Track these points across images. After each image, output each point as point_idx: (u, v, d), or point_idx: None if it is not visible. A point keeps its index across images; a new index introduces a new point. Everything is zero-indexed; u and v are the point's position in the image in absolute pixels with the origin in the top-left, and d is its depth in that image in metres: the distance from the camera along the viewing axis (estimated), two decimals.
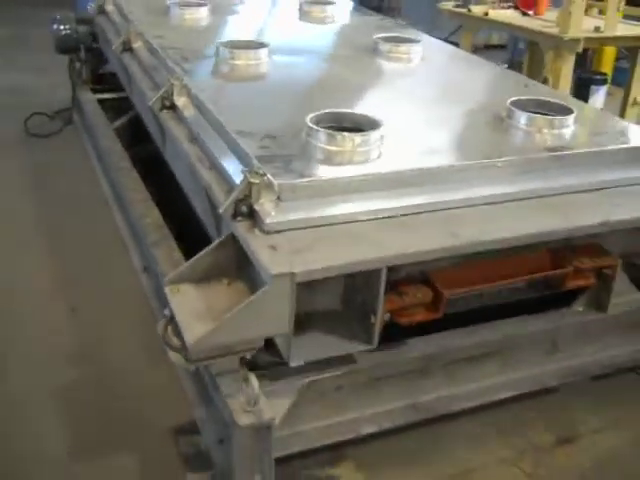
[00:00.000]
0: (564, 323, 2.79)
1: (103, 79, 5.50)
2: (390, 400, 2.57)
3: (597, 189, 2.69)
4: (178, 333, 2.20)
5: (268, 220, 2.23)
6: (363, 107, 2.95)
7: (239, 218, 2.29)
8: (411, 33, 4.37)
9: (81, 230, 4.08)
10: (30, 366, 2.97)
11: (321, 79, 3.54)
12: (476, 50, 9.23)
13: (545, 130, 2.88)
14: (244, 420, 2.11)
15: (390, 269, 2.25)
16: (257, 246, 2.17)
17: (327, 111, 2.72)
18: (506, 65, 4.01)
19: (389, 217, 2.38)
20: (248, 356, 2.28)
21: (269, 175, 2.27)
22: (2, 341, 3.11)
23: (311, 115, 2.64)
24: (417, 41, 3.93)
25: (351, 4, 5.36)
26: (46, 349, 3.06)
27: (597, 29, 5.11)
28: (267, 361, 2.37)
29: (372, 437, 2.52)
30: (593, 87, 6.67)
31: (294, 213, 2.29)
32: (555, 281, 2.67)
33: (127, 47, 3.95)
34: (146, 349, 2.97)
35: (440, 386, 2.65)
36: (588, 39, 5.02)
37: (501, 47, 8.91)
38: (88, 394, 2.80)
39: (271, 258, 2.11)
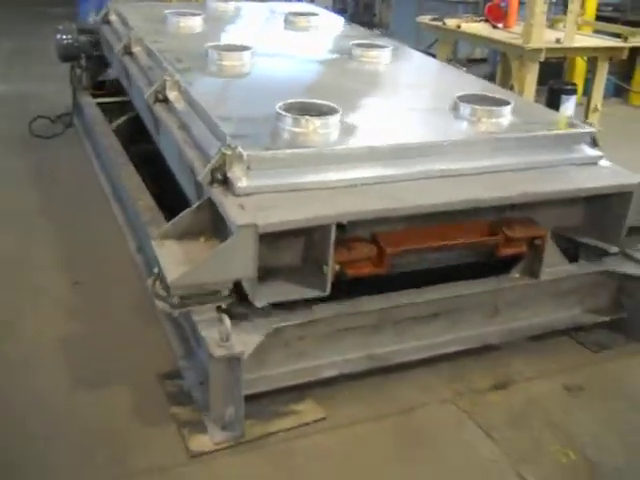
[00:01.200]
0: (502, 287, 3.18)
1: (103, 85, 5.92)
2: (348, 350, 2.97)
3: (524, 169, 3.13)
4: (165, 286, 2.62)
5: (238, 184, 2.69)
6: (329, 99, 3.36)
7: (215, 185, 2.73)
8: (386, 42, 4.81)
9: (81, 218, 4.47)
10: (39, 321, 3.36)
11: (297, 77, 3.96)
12: (460, 64, 9.74)
13: (484, 119, 3.31)
14: (218, 352, 2.51)
15: (342, 228, 2.70)
16: (228, 205, 2.63)
17: (294, 100, 3.17)
18: (464, 69, 4.40)
19: (342, 186, 2.81)
20: (224, 306, 2.69)
21: (240, 148, 2.71)
22: (15, 308, 3.49)
23: (280, 103, 3.08)
24: (386, 47, 4.37)
25: (336, 16, 5.82)
26: (52, 313, 3.44)
27: (558, 40, 5.55)
28: (241, 313, 2.77)
29: (332, 381, 2.90)
30: (564, 96, 7.12)
31: (261, 180, 2.76)
32: (489, 248, 3.08)
33: (128, 51, 4.39)
34: (138, 312, 3.36)
35: (393, 340, 3.05)
36: (549, 49, 5.46)
37: (483, 60, 9.37)
38: (90, 343, 3.19)
39: (239, 214, 2.57)
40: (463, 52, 9.25)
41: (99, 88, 5.93)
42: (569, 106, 6.77)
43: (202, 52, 4.01)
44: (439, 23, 6.39)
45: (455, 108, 3.40)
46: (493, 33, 5.97)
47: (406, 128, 3.26)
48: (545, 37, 5.54)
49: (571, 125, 3.46)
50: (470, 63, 9.37)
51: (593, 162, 3.33)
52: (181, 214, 2.81)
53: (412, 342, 3.08)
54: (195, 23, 4.83)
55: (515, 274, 3.22)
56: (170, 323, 3.11)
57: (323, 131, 2.98)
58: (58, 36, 5.71)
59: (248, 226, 2.50)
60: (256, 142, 2.85)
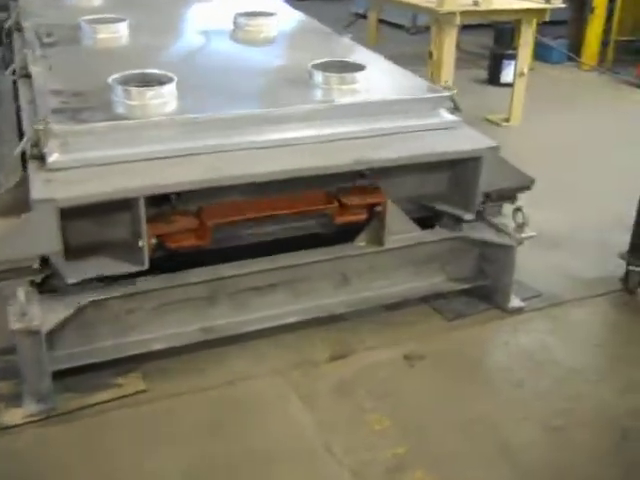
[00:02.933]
0: (346, 255, 3.14)
1: None
2: (181, 323, 2.96)
3: (372, 136, 3.08)
4: None
5: (50, 159, 2.67)
6: (182, 69, 3.31)
7: (32, 160, 2.71)
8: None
9: None
10: None
11: (164, 48, 3.89)
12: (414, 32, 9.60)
13: (335, 86, 3.25)
14: (15, 325, 2.52)
15: (160, 200, 2.71)
16: (34, 180, 2.60)
17: (136, 71, 3.13)
18: (350, 35, 4.31)
19: (162, 158, 2.78)
20: (38, 280, 2.69)
21: (51, 123, 2.68)
22: None
23: (117, 75, 3.04)
24: (272, 15, 4.29)
25: None
26: None
27: (475, 3, 5.42)
28: (60, 286, 2.76)
29: (167, 354, 2.90)
30: (505, 61, 7.04)
31: (74, 154, 2.73)
32: (324, 217, 3.05)
33: (17, 27, 4.37)
34: None
35: (229, 313, 3.03)
36: (465, 13, 5.33)
37: None
38: None
39: (41, 188, 2.55)
40: (423, 20, 9.10)
41: None
42: (510, 71, 6.67)
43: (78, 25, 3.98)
44: None
45: (310, 76, 3.34)
46: None
47: (249, 98, 3.21)
48: (462, 0, 5.40)
49: (429, 90, 3.39)
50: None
51: (450, 127, 3.27)
52: (1, 191, 2.80)
53: (250, 314, 3.06)
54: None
55: (360, 242, 3.18)
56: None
57: (154, 101, 2.96)
58: None
59: (46, 200, 2.49)
60: (76, 115, 2.82)
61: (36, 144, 2.71)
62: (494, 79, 7.25)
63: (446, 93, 3.29)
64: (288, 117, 3.01)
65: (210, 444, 2.57)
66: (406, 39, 9.30)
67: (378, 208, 3.09)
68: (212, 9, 4.84)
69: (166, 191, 2.69)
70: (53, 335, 2.74)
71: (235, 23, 4.23)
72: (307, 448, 2.56)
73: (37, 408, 2.66)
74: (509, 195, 3.30)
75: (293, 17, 4.69)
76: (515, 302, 3.38)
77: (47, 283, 2.74)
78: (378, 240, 3.14)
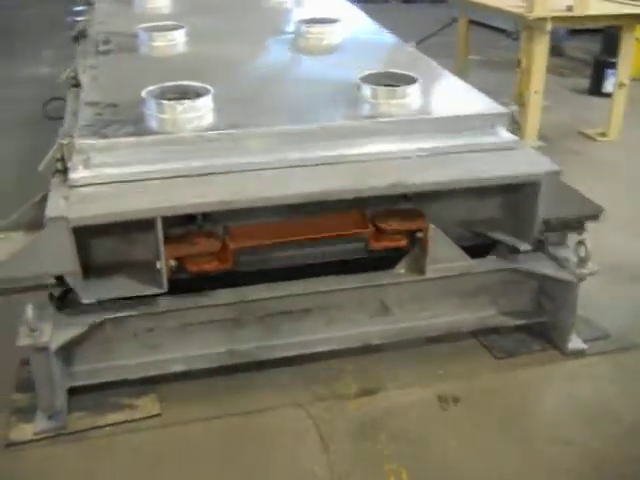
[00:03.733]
0: (385, 284, 2.90)
1: None
2: (202, 345, 2.82)
3: (421, 156, 2.84)
4: None
5: (72, 175, 2.61)
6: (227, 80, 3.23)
7: (56, 175, 2.66)
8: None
9: None
10: None
11: (219, 57, 3.76)
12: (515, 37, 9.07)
13: (382, 100, 3.02)
14: (22, 341, 2.46)
15: (186, 220, 2.62)
16: (54, 197, 2.54)
17: (173, 83, 3.03)
18: (414, 43, 4.03)
19: (186, 176, 2.65)
20: (56, 294, 2.64)
21: (76, 137, 2.62)
22: None
23: (153, 87, 2.95)
24: (335, 22, 4.09)
25: None
26: None
27: (569, 8, 4.99)
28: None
29: (184, 376, 2.78)
30: (608, 70, 6.50)
31: (97, 170, 2.65)
32: (360, 241, 2.83)
33: (83, 34, 4.41)
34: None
35: (256, 336, 2.86)
36: (557, 18, 4.92)
37: None
38: None
39: (55, 205, 2.48)
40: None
41: None
42: (612, 81, 6.14)
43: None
44: None
45: (357, 89, 3.12)
46: (505, 2, 5.46)
47: (288, 112, 3.02)
48: (554, 5, 4.99)
49: (486, 106, 3.10)
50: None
51: (509, 148, 2.97)
52: (24, 207, 2.75)
53: (279, 340, 2.89)
54: (157, 4, 4.75)
55: (400, 270, 2.93)
56: None
57: (187, 115, 2.83)
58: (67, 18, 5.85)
59: (58, 219, 2.41)
60: (109, 130, 2.74)
61: (61, 158, 2.66)
62: (596, 89, 6.70)
63: (505, 110, 2.99)
64: (326, 133, 2.82)
65: (213, 478, 2.42)
66: (506, 44, 8.83)
67: (419, 234, 2.84)
68: (283, 15, 4.69)
69: (183, 212, 2.56)
70: (71, 351, 2.70)
71: (296, 30, 4.06)
72: None
73: (47, 425, 2.60)
74: (573, 224, 2.94)
75: (359, 24, 4.46)
76: (576, 343, 3.02)
77: (67, 297, 2.71)
78: (419, 268, 2.89)
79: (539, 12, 4.88)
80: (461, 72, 6.33)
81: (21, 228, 2.72)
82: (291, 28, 4.16)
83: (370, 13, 4.94)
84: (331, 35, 4.02)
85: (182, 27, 3.92)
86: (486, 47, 8.23)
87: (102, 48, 3.78)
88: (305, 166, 2.73)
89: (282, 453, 2.52)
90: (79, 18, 4.73)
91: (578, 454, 2.50)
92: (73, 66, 3.59)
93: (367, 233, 2.78)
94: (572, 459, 2.48)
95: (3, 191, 4.32)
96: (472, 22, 8.66)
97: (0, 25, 9.62)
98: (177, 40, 3.88)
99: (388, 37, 4.20)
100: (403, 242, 2.85)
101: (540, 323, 3.08)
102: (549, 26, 4.92)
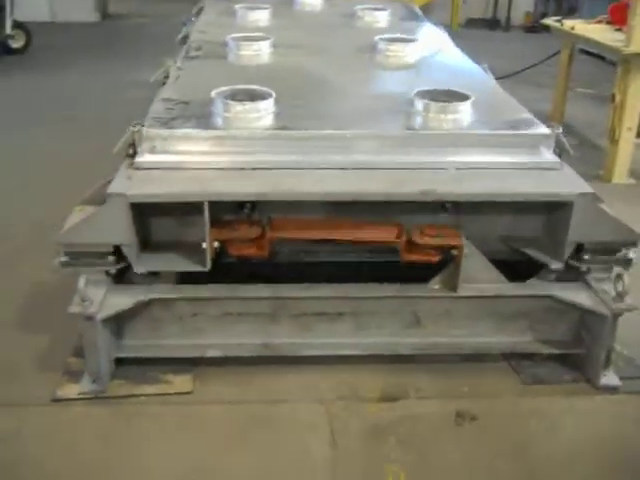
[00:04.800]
0: (417, 296, 2.99)
1: None
2: (240, 335, 3.02)
3: (461, 168, 2.94)
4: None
5: (137, 159, 2.90)
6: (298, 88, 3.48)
7: (127, 158, 2.96)
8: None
9: None
10: None
11: (294, 67, 3.97)
12: None
13: (432, 114, 3.13)
14: (72, 309, 2.75)
15: (226, 209, 2.86)
16: (119, 176, 2.85)
17: (242, 86, 3.28)
18: (486, 65, 4.07)
19: (239, 169, 2.89)
20: (112, 270, 2.91)
21: (145, 126, 2.91)
22: None
23: (224, 88, 3.21)
24: (412, 41, 4.22)
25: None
26: None
27: None
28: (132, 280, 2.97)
29: (221, 360, 2.99)
30: None
31: (160, 157, 2.94)
32: (390, 251, 2.93)
33: (184, 41, 4.77)
34: None
35: (289, 333, 3.03)
36: None
37: None
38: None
39: (118, 184, 2.78)
40: None
41: None
42: None
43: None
44: (558, 24, 5.91)
45: (410, 103, 3.25)
46: (606, 36, 5.38)
47: (342, 119, 3.16)
48: None
49: (532, 127, 3.13)
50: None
51: (550, 168, 2.99)
52: (98, 184, 3.06)
53: (312, 339, 3.03)
54: (257, 17, 5.04)
55: (435, 285, 3.00)
56: None
57: (248, 115, 3.08)
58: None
59: (118, 195, 2.71)
60: (175, 123, 3.02)
61: (132, 144, 2.95)
62: None
63: (546, 131, 3.01)
64: (369, 140, 2.97)
65: (225, 456, 2.60)
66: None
67: (454, 251, 2.90)
68: (372, 33, 4.83)
69: (225, 199, 2.78)
70: (123, 325, 2.97)
71: (374, 47, 4.23)
72: None
73: (90, 388, 2.87)
74: (613, 255, 2.92)
75: (437, 45, 4.55)
76: (611, 379, 2.97)
77: (125, 275, 2.98)
78: (452, 285, 2.95)
79: (636, 47, 4.78)
80: (558, 102, 6.30)
81: (95, 202, 3.03)
82: (372, 45, 4.32)
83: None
84: (406, 53, 4.15)
85: (268, 38, 4.17)
86: (603, 81, 8.01)
87: (193, 53, 4.10)
88: (345, 169, 2.89)
89: (293, 441, 2.66)
90: (187, 26, 5.10)
91: None
92: (166, 67, 3.91)
93: (400, 244, 2.88)
94: None
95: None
96: (590, 54, 8.56)
97: (131, 36, 10.42)
98: (262, 50, 4.14)
99: (461, 58, 4.29)
100: (435, 257, 2.92)
101: (577, 355, 3.05)
102: None
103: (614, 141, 5.23)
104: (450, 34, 5.08)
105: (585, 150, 6.04)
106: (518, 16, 12.78)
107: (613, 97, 5.11)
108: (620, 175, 5.32)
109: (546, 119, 6.00)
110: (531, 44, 10.40)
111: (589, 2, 10.43)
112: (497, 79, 3.93)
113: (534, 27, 11.77)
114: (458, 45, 4.64)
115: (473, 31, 12.00)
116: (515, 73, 7.98)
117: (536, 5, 12.72)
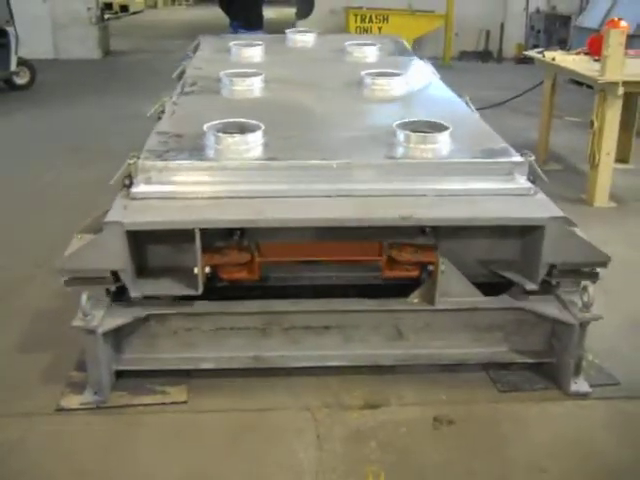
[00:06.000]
0: (398, 310, 3.19)
1: None
2: (232, 348, 3.22)
3: (437, 195, 3.14)
4: None
5: (133, 190, 3.12)
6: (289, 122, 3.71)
7: (124, 189, 3.18)
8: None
9: None
10: None
11: (283, 102, 4.19)
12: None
13: (412, 145, 3.35)
14: (75, 323, 2.96)
15: (217, 236, 3.08)
16: (116, 206, 3.06)
17: (232, 120, 3.50)
18: (467, 97, 4.31)
19: (229, 197, 3.10)
20: (113, 288, 3.12)
21: (141, 159, 3.14)
22: None
23: (215, 122, 3.44)
24: (397, 75, 4.47)
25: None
26: None
27: None
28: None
29: (215, 373, 3.18)
30: None
31: (155, 187, 3.15)
32: (373, 269, 3.15)
33: (180, 77, 5.03)
34: None
35: (280, 346, 3.23)
36: (629, 83, 5.06)
37: None
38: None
39: (115, 213, 2.99)
40: None
41: None
42: None
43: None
44: (539, 56, 6.20)
45: (392, 134, 3.47)
46: (584, 66, 5.65)
47: (326, 150, 3.34)
48: (630, 70, 5.13)
49: (506, 155, 3.34)
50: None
51: (524, 194, 3.20)
52: (98, 214, 3.28)
53: (301, 351, 3.23)
54: (250, 53, 5.31)
55: (414, 299, 3.21)
56: None
57: (238, 147, 3.30)
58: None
59: (115, 223, 2.92)
60: (169, 155, 3.24)
61: (128, 176, 3.17)
62: None
63: (519, 159, 3.23)
64: (351, 170, 3.18)
65: (218, 461, 2.78)
66: None
67: (430, 267, 3.11)
68: (360, 68, 5.09)
69: (214, 226, 2.99)
70: (122, 340, 3.17)
71: (361, 82, 4.47)
72: None
73: (92, 399, 3.07)
74: (582, 271, 3.12)
75: (421, 79, 4.79)
76: (581, 386, 3.16)
77: (123, 294, 3.19)
78: (430, 299, 3.15)
79: (610, 76, 5.05)
80: (543, 130, 6.56)
81: (94, 231, 3.25)
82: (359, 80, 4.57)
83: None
84: (392, 87, 4.39)
85: (260, 74, 4.43)
86: (590, 109, 8.27)
87: (187, 89, 4.35)
88: (328, 197, 3.10)
89: (280, 445, 2.84)
90: (184, 63, 5.37)
91: None
92: (162, 103, 4.16)
93: (381, 261, 3.09)
94: None
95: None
96: (579, 84, 8.83)
97: (131, 71, 10.76)
98: (254, 85, 4.38)
99: (444, 91, 4.52)
100: (414, 273, 3.13)
101: (550, 363, 3.24)
102: (621, 90, 5.07)
103: (594, 166, 5.47)
104: (442, 67, 5.34)
105: (569, 175, 6.31)
106: (510, 48, 13.16)
107: (592, 124, 5.36)
108: (601, 198, 5.54)
109: (534, 147, 6.30)
110: (523, 74, 10.71)
111: (578, 34, 10.85)
112: (486, 108, 4.14)
113: (526, 58, 12.10)
114: (450, 77, 4.88)
115: (465, 63, 12.36)
116: (501, 103, 8.27)
117: (527, 37, 13.11)
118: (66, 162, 6.38)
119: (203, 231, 2.96)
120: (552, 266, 3.09)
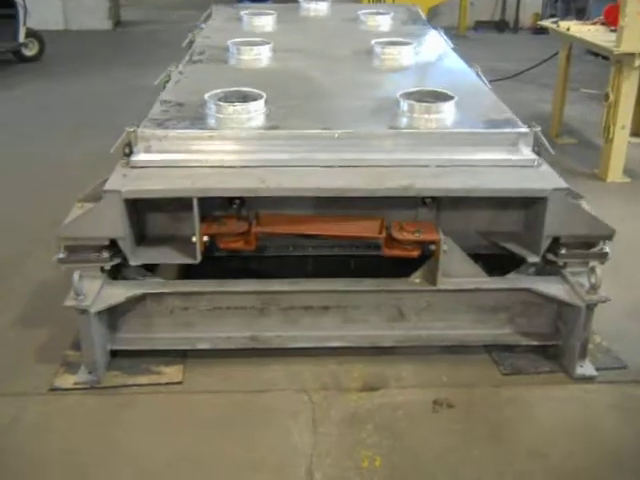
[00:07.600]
0: (399, 290, 3.10)
1: None
2: (229, 328, 3.15)
3: (441, 165, 3.06)
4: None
5: (132, 158, 3.06)
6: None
7: (124, 157, 3.10)
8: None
9: None
10: None
11: (290, 71, 4.10)
12: None
13: (417, 114, 3.25)
14: (67, 302, 2.90)
15: (214, 204, 3.01)
16: (114, 174, 3.00)
17: (234, 89, 3.42)
18: (478, 67, 4.18)
19: (228, 167, 3.02)
20: (107, 267, 3.05)
21: (140, 127, 3.07)
22: None
23: (217, 90, 3.35)
24: (407, 44, 4.34)
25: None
26: None
27: None
28: (128, 276, 3.12)
29: (212, 352, 3.12)
30: None
31: (155, 156, 3.09)
32: (372, 246, 3.06)
33: (190, 45, 4.92)
34: None
35: (278, 326, 3.16)
36: None
37: None
38: None
39: (114, 181, 2.93)
40: None
41: None
42: None
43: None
44: (554, 25, 5.99)
45: (396, 104, 3.37)
46: (600, 36, 5.45)
47: (329, 120, 3.27)
48: None
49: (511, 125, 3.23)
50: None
51: (528, 165, 3.09)
52: (99, 181, 3.21)
53: (299, 332, 3.16)
54: (262, 22, 5.19)
55: (416, 279, 3.11)
56: None
57: (239, 116, 3.23)
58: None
59: (113, 191, 2.86)
60: (170, 123, 3.17)
61: (128, 144, 3.10)
62: None
63: (525, 130, 3.11)
64: (353, 139, 3.10)
65: (211, 442, 2.73)
66: None
67: (432, 246, 3.01)
68: (373, 37, 4.95)
69: (212, 195, 2.93)
70: (117, 320, 3.12)
71: (371, 50, 4.35)
72: (290, 465, 2.60)
73: (86, 378, 3.02)
74: (589, 251, 3.01)
75: (434, 48, 4.66)
76: (587, 370, 3.07)
77: (121, 271, 3.13)
78: (432, 279, 3.06)
79: (626, 47, 4.86)
80: (557, 102, 6.37)
81: (94, 199, 3.18)
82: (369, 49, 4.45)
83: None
84: (401, 56, 4.27)
85: (268, 43, 4.32)
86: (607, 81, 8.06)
87: (195, 58, 4.25)
88: (329, 167, 3.01)
89: (275, 427, 2.79)
90: (194, 32, 5.26)
91: (550, 467, 2.58)
92: (168, 71, 4.07)
93: (381, 239, 3.00)
94: (543, 471, 2.57)
95: None
96: (596, 55, 8.58)
97: (142, 42, 10.62)
98: (262, 54, 4.29)
99: (454, 61, 4.39)
100: (415, 253, 3.03)
101: (555, 346, 3.15)
102: (638, 62, 4.89)
103: (608, 140, 5.30)
104: (457, 36, 5.19)
105: (583, 149, 6.14)
106: (526, 18, 12.82)
107: (607, 96, 5.19)
108: (615, 173, 5.38)
109: (548, 120, 6.12)
110: (539, 45, 10.43)
111: (597, 3, 10.50)
112: (500, 80, 3.99)
113: (542, 28, 11.79)
114: (465, 48, 4.74)
115: (481, 33, 12.06)
116: (516, 74, 8.05)
117: (544, 6, 12.76)
118: (70, 135, 6.30)
119: (202, 200, 2.91)
120: (557, 242, 2.98)
